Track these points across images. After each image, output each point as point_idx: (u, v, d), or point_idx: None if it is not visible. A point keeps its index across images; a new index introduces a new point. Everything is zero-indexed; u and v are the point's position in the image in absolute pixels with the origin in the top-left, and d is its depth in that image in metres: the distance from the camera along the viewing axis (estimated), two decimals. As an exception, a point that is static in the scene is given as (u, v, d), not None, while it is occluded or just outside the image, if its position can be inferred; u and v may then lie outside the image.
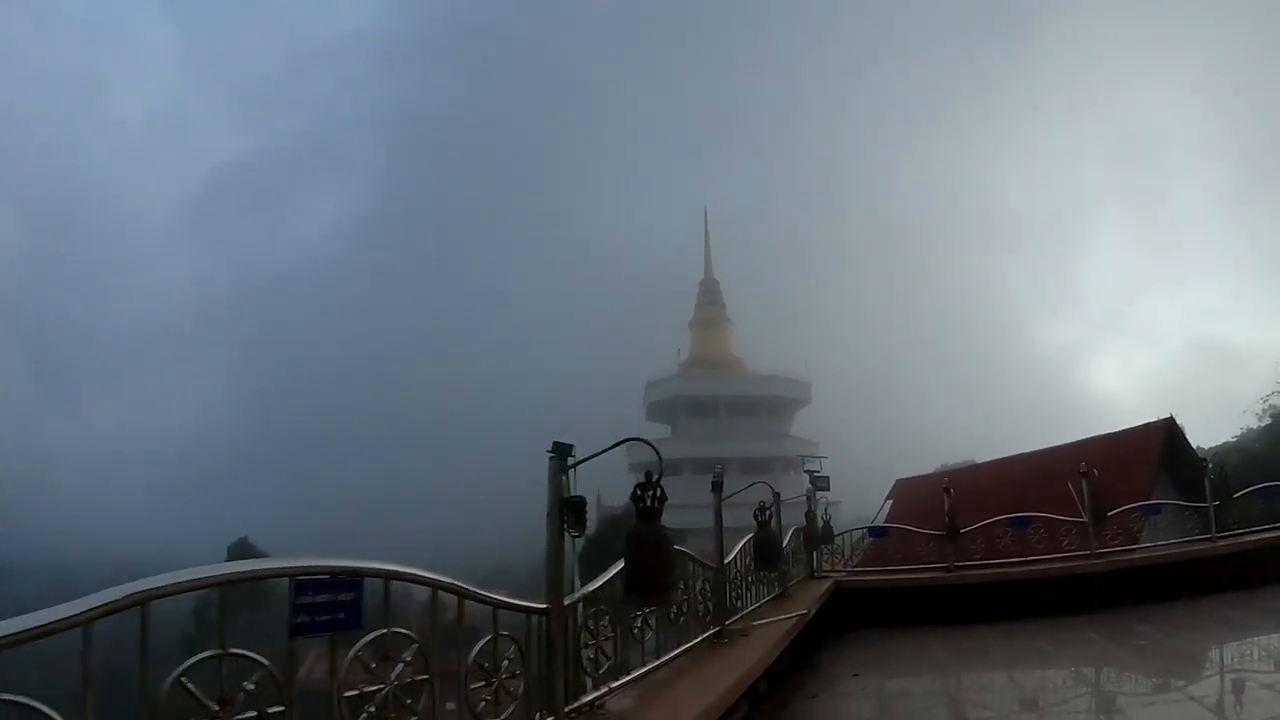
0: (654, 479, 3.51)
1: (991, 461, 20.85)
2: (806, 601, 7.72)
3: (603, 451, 3.32)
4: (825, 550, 10.42)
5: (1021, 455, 19.24)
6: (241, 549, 50.15)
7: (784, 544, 8.43)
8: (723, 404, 45.70)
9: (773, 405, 45.49)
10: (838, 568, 10.48)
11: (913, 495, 21.84)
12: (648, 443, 3.69)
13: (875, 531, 10.42)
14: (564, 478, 3.09)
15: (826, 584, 9.58)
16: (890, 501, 23.16)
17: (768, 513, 7.02)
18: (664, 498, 3.54)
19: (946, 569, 9.86)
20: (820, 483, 10.25)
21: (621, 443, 3.46)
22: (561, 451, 3.11)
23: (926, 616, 9.42)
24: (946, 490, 9.83)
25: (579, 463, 3.13)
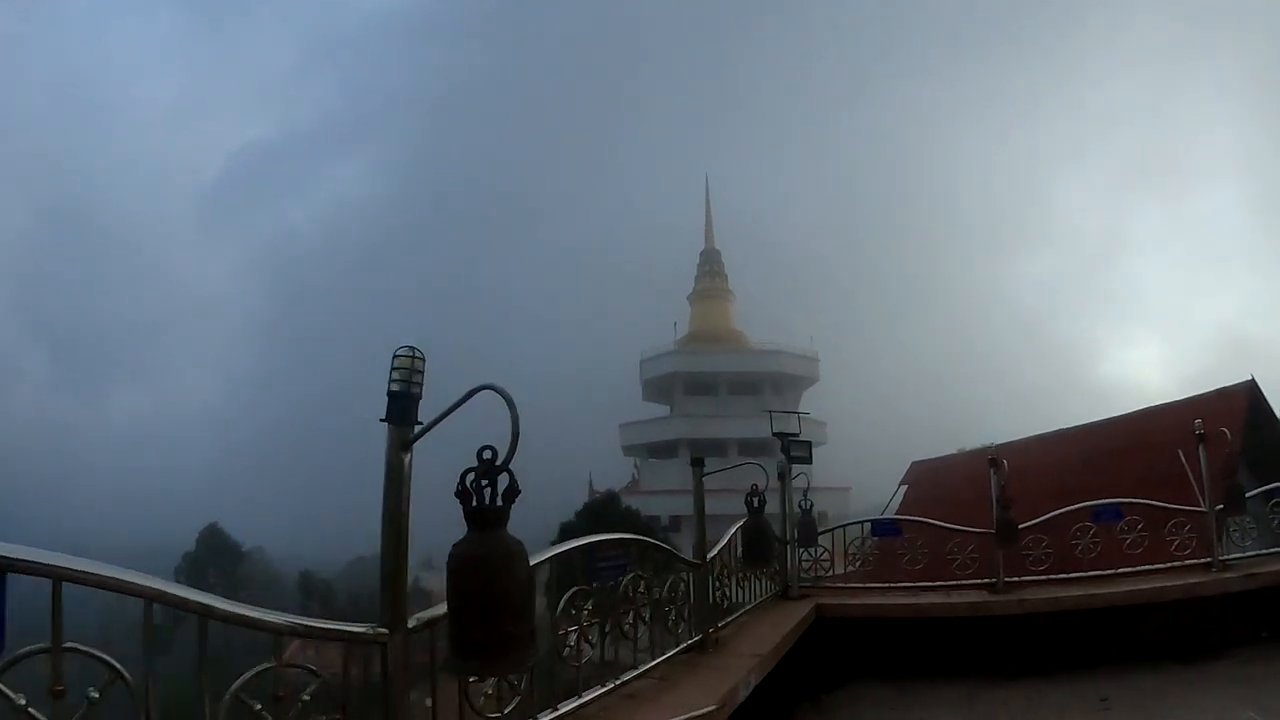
0: (496, 459, 1.90)
1: (1037, 436, 17.01)
2: (729, 678, 4.14)
3: (449, 411, 2.09)
4: (807, 555, 6.86)
5: (1076, 428, 15.46)
6: (211, 536, 47.64)
7: (723, 545, 5.48)
8: (723, 381, 42.08)
9: (777, 382, 41.83)
10: (827, 579, 6.92)
11: (933, 481, 18.18)
12: (499, 390, 1.92)
13: (883, 527, 6.83)
14: (403, 455, 2.16)
15: (803, 609, 6.07)
16: (905, 487, 19.51)
17: (761, 497, 5.66)
18: (514, 491, 1.95)
19: (994, 586, 6.32)
20: (796, 451, 6.71)
21: (475, 392, 2.01)
22: (399, 415, 2.13)
23: (962, 664, 5.93)
24: (995, 463, 6.25)
25: (425, 430, 2.14)
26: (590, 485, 41.51)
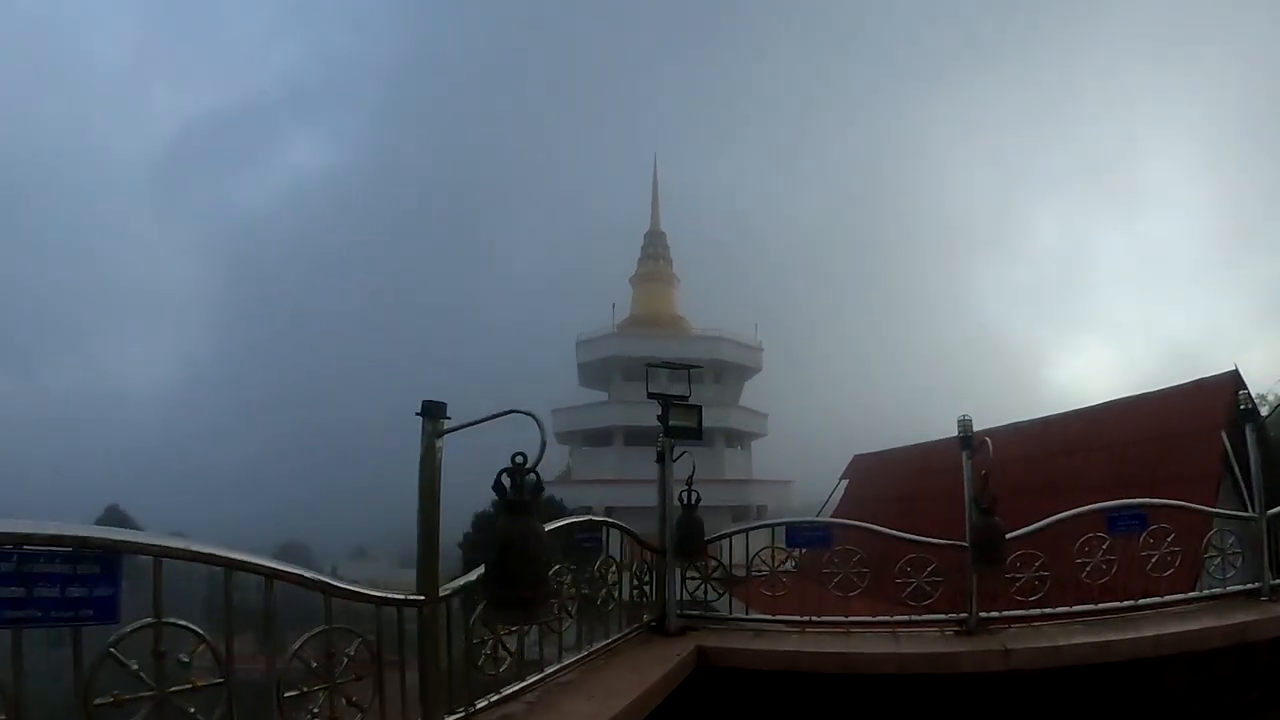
0: (526, 463, 2.46)
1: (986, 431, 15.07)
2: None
3: (484, 420, 2.60)
4: (694, 571, 4.66)
5: (1031, 422, 13.50)
6: (110, 517, 43.68)
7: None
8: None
9: (718, 370, 39.74)
10: (717, 608, 4.72)
11: (876, 475, 16.26)
12: (532, 416, 2.47)
13: (804, 535, 4.55)
14: (437, 443, 2.56)
15: (675, 654, 3.87)
16: (845, 482, 17.56)
17: (693, 491, 4.47)
18: (540, 488, 2.56)
19: (964, 625, 4.21)
20: (678, 420, 4.53)
21: (505, 414, 2.54)
22: (434, 412, 2.57)
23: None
24: (969, 443, 4.13)
25: (456, 428, 2.57)
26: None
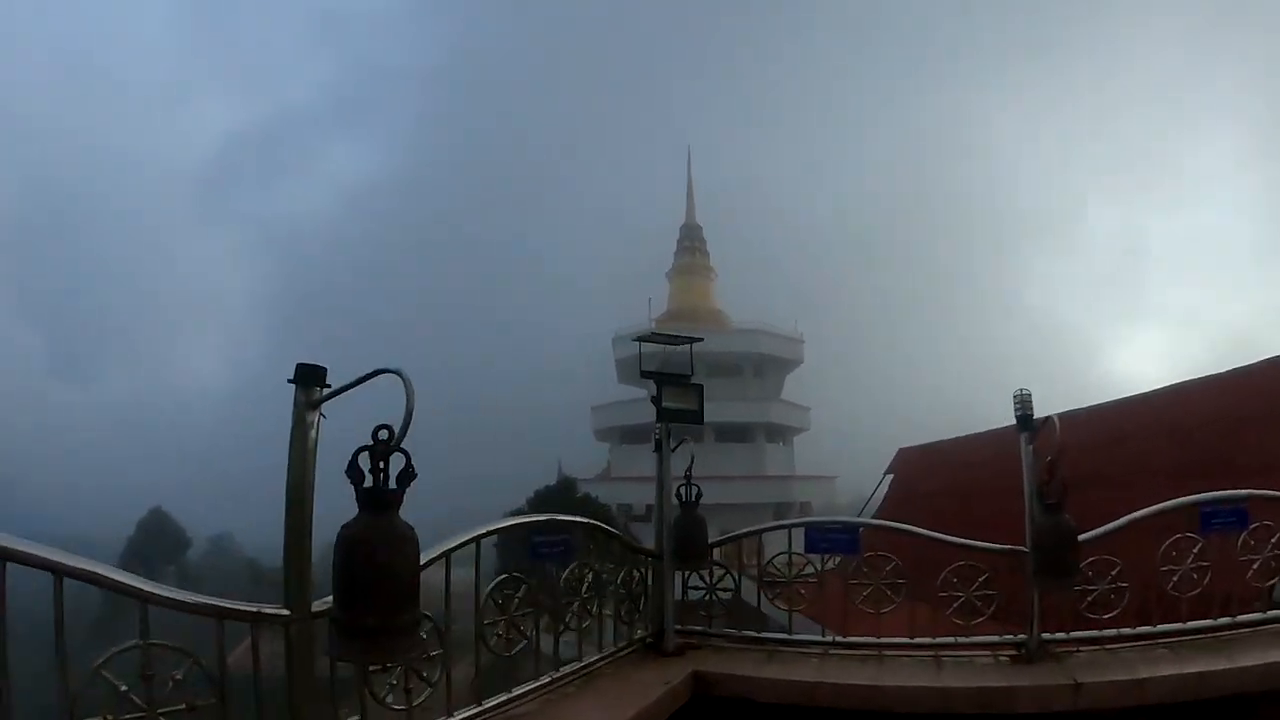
0: (389, 437, 1.77)
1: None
2: None
3: (356, 383, 2.03)
4: (699, 580, 3.97)
5: (1091, 409, 12.38)
6: (152, 518, 44.53)
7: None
8: (700, 361, 39.06)
9: (758, 364, 38.82)
10: (721, 624, 4.02)
11: (926, 470, 15.30)
12: (398, 373, 1.83)
13: (826, 537, 3.81)
14: (309, 416, 2.07)
15: (667, 680, 3.19)
16: (890, 476, 16.62)
17: (693, 486, 3.80)
18: (409, 474, 1.81)
19: (1023, 650, 3.44)
20: (672, 401, 3.84)
21: (374, 374, 1.94)
22: (309, 378, 2.07)
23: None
24: (1029, 424, 3.35)
25: (332, 394, 2.08)
26: (559, 472, 38.76)
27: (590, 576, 3.35)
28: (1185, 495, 3.77)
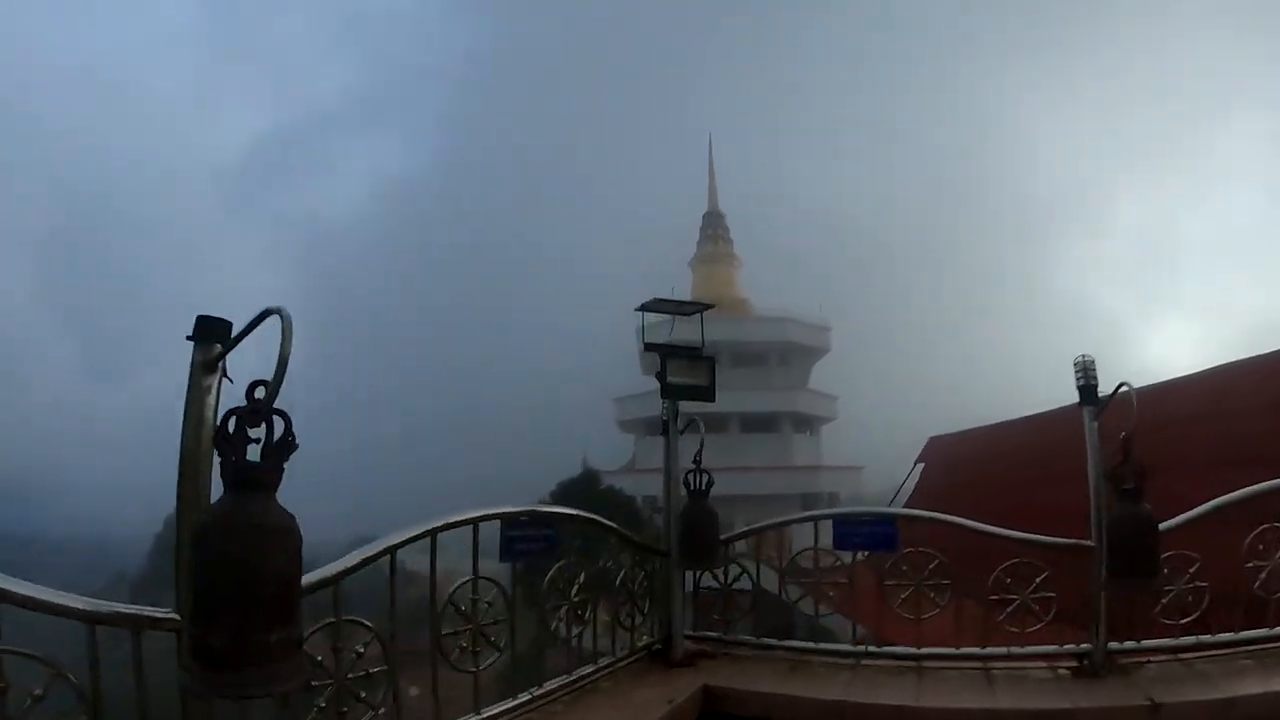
0: (262, 402, 1.38)
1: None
2: None
3: (244, 333, 1.63)
4: (714, 580, 3.53)
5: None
6: (172, 522, 44.65)
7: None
8: (724, 351, 38.51)
9: (784, 353, 38.11)
10: (738, 628, 3.57)
11: (959, 459, 14.68)
12: (279, 312, 1.43)
13: (858, 531, 3.34)
14: (206, 381, 1.68)
15: (670, 698, 2.76)
16: (921, 465, 15.99)
17: (703, 474, 3.37)
18: (288, 443, 1.38)
19: (1088, 661, 2.96)
20: (677, 377, 3.40)
21: (261, 316, 1.53)
22: (209, 333, 1.68)
23: None
24: (1092, 397, 2.85)
25: (229, 348, 1.67)
26: (584, 464, 38.42)
27: (583, 577, 2.93)
28: (1232, 485, 3.27)
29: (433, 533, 2.37)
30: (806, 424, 38.89)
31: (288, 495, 1.41)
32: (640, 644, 3.30)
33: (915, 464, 16.71)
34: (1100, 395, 2.93)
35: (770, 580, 3.55)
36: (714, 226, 42.71)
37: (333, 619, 2.08)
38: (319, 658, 2.00)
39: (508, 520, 2.66)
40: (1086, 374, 2.93)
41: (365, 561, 2.17)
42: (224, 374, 1.71)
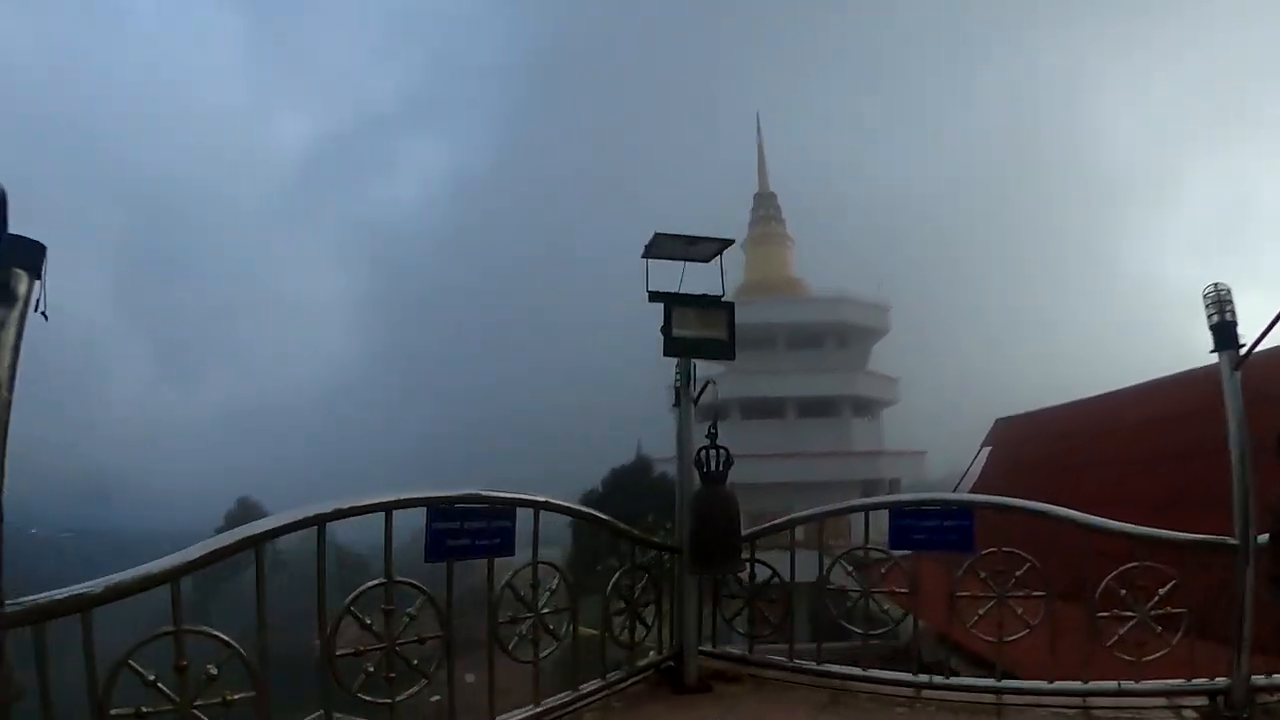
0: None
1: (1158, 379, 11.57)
2: None
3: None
4: (736, 583, 2.84)
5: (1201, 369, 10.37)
6: (240, 507, 45.78)
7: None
8: (780, 333, 37.45)
9: (841, 334, 36.83)
10: (767, 643, 2.88)
11: (1033, 441, 13.61)
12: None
13: (921, 526, 2.61)
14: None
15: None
16: (988, 449, 14.97)
17: (719, 450, 2.67)
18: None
19: (1222, 706, 2.20)
20: (683, 329, 2.70)
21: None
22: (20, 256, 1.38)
23: None
24: (1228, 345, 2.08)
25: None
26: (638, 452, 37.91)
27: (558, 582, 2.30)
28: None
29: (320, 520, 1.78)
30: (866, 408, 37.58)
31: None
32: (643, 662, 2.66)
33: (980, 448, 15.65)
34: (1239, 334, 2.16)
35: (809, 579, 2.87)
36: (765, 207, 41.46)
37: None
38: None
39: (437, 508, 2.04)
40: (1221, 308, 2.17)
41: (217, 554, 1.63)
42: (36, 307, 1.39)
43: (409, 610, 1.97)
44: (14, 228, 1.34)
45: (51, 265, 1.42)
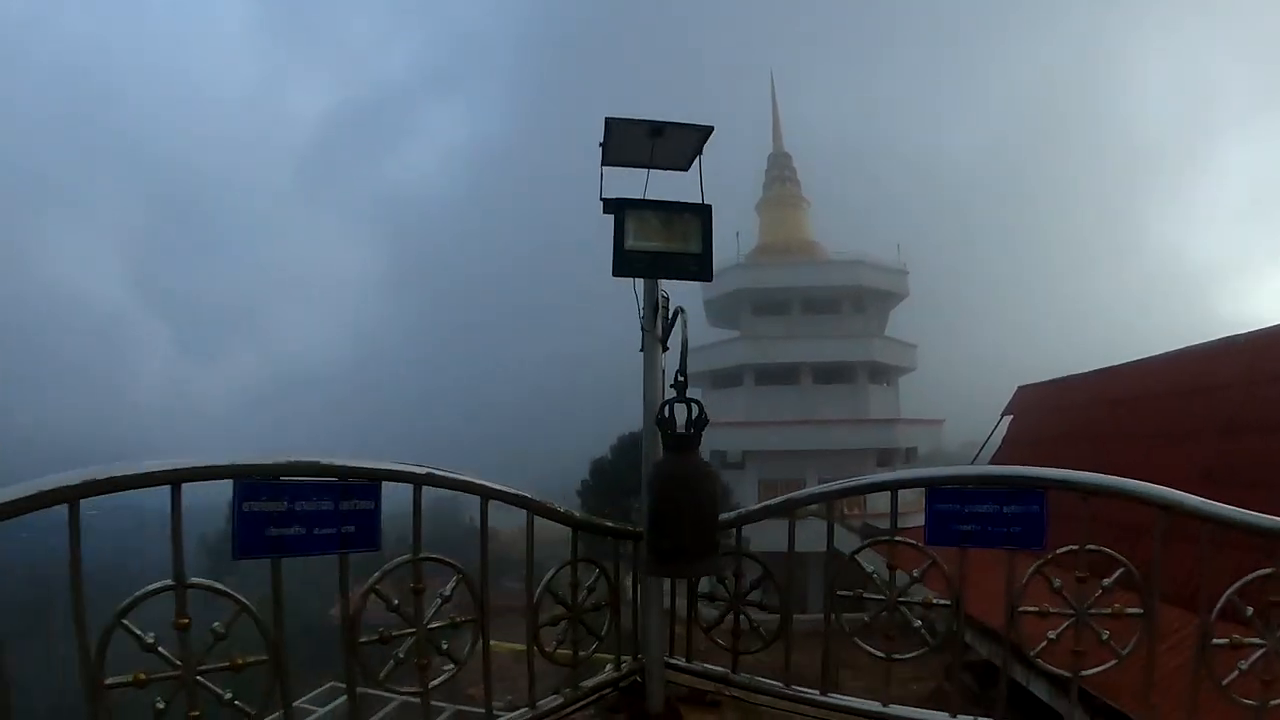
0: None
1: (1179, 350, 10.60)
2: None
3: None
4: (719, 586, 2.19)
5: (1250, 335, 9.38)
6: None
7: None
8: (795, 297, 36.55)
9: (858, 298, 35.95)
10: (752, 657, 2.24)
11: (1057, 410, 12.90)
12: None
13: (966, 510, 1.96)
14: None
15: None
16: (1010, 418, 14.31)
17: (691, 404, 2.01)
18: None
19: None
20: (644, 243, 2.00)
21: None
22: None
23: None
24: None
25: None
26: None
27: (459, 581, 1.66)
28: None
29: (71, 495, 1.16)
30: (883, 374, 36.77)
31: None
32: (590, 682, 2.04)
33: (1001, 416, 14.96)
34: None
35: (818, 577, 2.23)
36: (780, 167, 40.25)
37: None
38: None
39: (249, 480, 1.41)
40: None
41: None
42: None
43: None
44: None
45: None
